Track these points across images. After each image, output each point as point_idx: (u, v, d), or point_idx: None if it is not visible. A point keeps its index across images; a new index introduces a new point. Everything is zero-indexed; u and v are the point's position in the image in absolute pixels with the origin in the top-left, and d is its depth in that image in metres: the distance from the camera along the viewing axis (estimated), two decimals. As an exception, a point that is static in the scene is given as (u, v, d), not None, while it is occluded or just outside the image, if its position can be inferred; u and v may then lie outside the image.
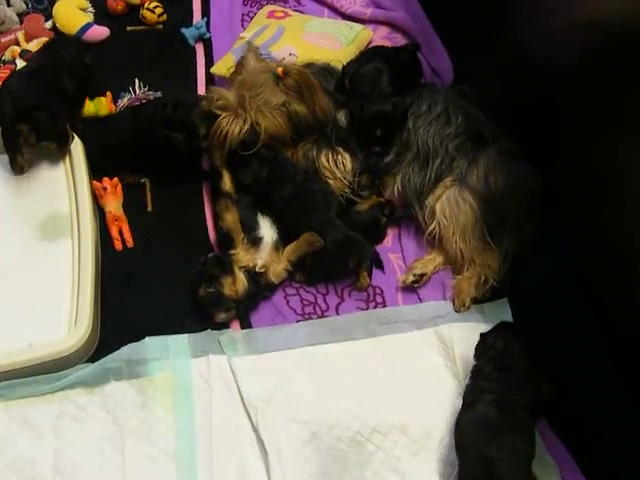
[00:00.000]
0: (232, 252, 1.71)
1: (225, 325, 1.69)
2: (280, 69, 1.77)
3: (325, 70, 1.89)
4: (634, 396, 1.57)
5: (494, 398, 1.40)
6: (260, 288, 1.71)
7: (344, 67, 1.91)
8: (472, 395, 1.45)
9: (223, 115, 1.77)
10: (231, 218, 1.73)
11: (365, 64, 1.89)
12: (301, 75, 1.77)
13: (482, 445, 1.34)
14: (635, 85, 1.45)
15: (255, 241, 1.73)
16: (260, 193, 1.80)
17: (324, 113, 1.80)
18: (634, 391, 1.58)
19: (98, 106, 2.04)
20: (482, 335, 1.54)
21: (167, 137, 1.80)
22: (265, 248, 1.73)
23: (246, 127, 1.76)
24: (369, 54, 1.99)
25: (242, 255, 1.71)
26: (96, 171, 1.90)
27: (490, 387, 1.43)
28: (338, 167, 1.82)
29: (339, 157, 1.83)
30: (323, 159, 1.83)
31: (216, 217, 1.81)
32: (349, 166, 1.83)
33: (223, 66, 2.08)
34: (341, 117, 1.85)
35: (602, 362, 1.65)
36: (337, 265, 1.76)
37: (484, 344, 1.52)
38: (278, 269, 1.72)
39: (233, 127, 1.77)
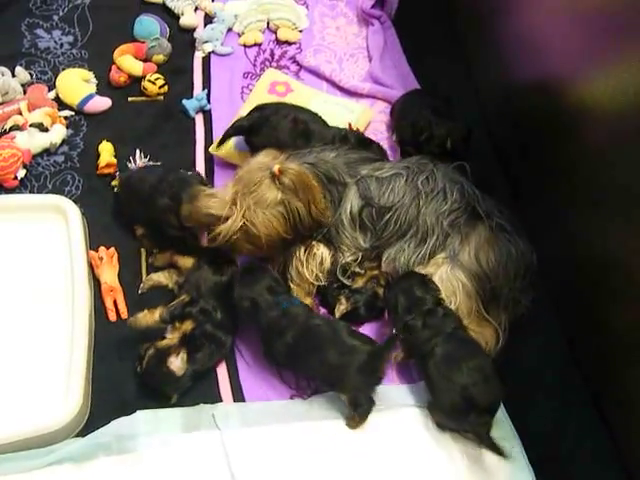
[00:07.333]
0: None
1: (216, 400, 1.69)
2: (277, 167, 1.70)
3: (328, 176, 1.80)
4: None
5: (442, 338, 1.61)
6: None
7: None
8: (424, 347, 1.62)
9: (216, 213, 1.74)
10: None
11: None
12: (298, 175, 1.71)
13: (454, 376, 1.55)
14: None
15: None
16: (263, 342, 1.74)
17: (321, 214, 1.75)
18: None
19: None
20: (387, 301, 1.74)
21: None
22: None
23: (238, 224, 1.71)
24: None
25: None
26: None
27: (430, 333, 1.63)
28: (313, 262, 1.80)
29: (318, 252, 1.80)
30: (300, 252, 1.80)
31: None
32: (327, 263, 1.81)
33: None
34: (346, 214, 1.80)
35: (599, 443, 1.64)
36: None
37: (392, 305, 1.70)
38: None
39: (225, 225, 1.72)
